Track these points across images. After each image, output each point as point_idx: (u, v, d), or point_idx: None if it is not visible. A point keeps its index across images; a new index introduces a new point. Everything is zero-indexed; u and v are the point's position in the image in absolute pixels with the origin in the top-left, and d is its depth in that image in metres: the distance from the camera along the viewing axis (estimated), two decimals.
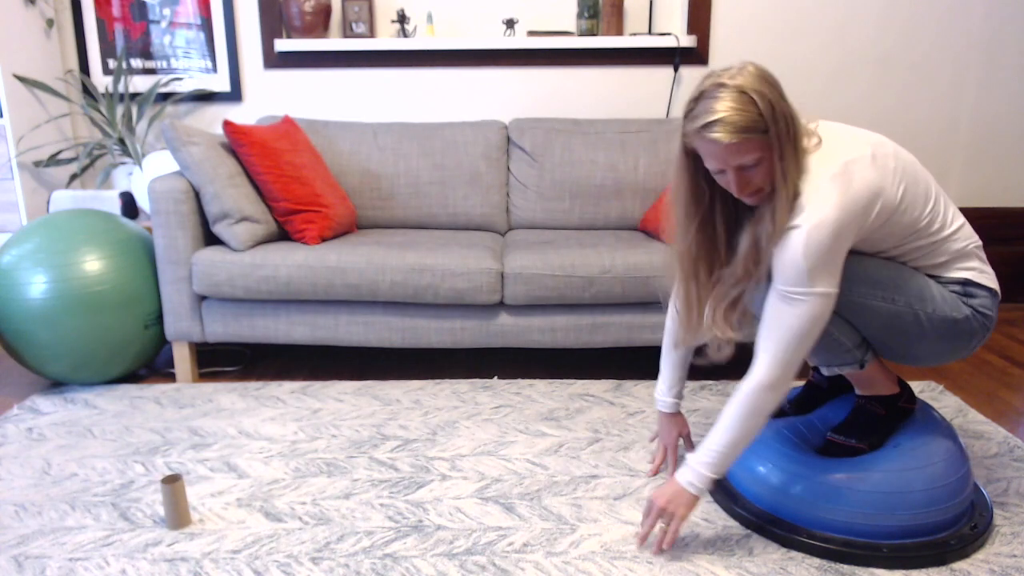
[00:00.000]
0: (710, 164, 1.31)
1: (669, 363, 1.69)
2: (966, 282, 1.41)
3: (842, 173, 1.28)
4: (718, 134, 1.23)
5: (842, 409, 1.66)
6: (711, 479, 1.38)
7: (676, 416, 1.73)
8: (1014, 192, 3.08)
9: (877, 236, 1.36)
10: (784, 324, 1.30)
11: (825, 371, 1.50)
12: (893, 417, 1.53)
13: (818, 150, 1.32)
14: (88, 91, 2.95)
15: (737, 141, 1.23)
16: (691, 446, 1.78)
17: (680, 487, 1.40)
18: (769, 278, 1.34)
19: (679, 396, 1.72)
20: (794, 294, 1.29)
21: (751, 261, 1.35)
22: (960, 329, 1.39)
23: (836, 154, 1.30)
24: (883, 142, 1.35)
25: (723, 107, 1.23)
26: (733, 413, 1.36)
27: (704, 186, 1.40)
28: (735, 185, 1.30)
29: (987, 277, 1.42)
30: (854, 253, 1.39)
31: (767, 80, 1.26)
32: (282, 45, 2.83)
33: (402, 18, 2.84)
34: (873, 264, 1.39)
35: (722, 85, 1.24)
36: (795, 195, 1.29)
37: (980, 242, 1.44)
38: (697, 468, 1.39)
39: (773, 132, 1.25)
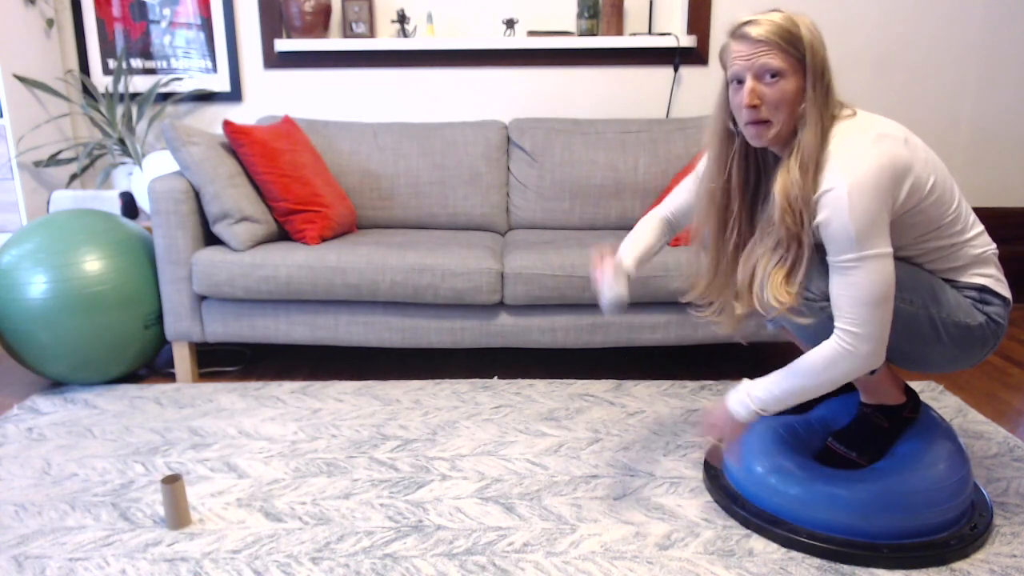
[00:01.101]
0: (734, 67, 1.31)
1: (643, 236, 1.61)
2: (983, 288, 1.40)
3: (877, 140, 1.28)
4: (750, 27, 1.28)
5: (841, 409, 1.65)
6: (757, 414, 1.41)
7: (621, 275, 1.52)
8: (1014, 192, 3.08)
9: (905, 222, 1.34)
10: (851, 293, 1.28)
11: None
12: (896, 429, 1.53)
13: (852, 119, 1.32)
14: (88, 91, 2.95)
15: (766, 39, 1.26)
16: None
17: (728, 412, 1.44)
18: (818, 252, 1.34)
19: (639, 266, 1.58)
20: (849, 262, 1.27)
21: (789, 219, 1.31)
22: (973, 336, 1.39)
23: (870, 125, 1.31)
24: (914, 136, 1.36)
25: (767, 17, 1.28)
26: (803, 363, 1.35)
27: (733, 128, 1.41)
28: (746, 95, 1.29)
29: (1002, 286, 1.42)
30: None
31: (819, 32, 1.30)
32: (282, 45, 2.83)
33: (402, 18, 2.84)
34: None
35: (777, 9, 1.30)
36: (824, 154, 1.28)
37: (996, 250, 1.43)
38: (747, 401, 1.41)
39: (809, 63, 1.27)
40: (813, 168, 1.28)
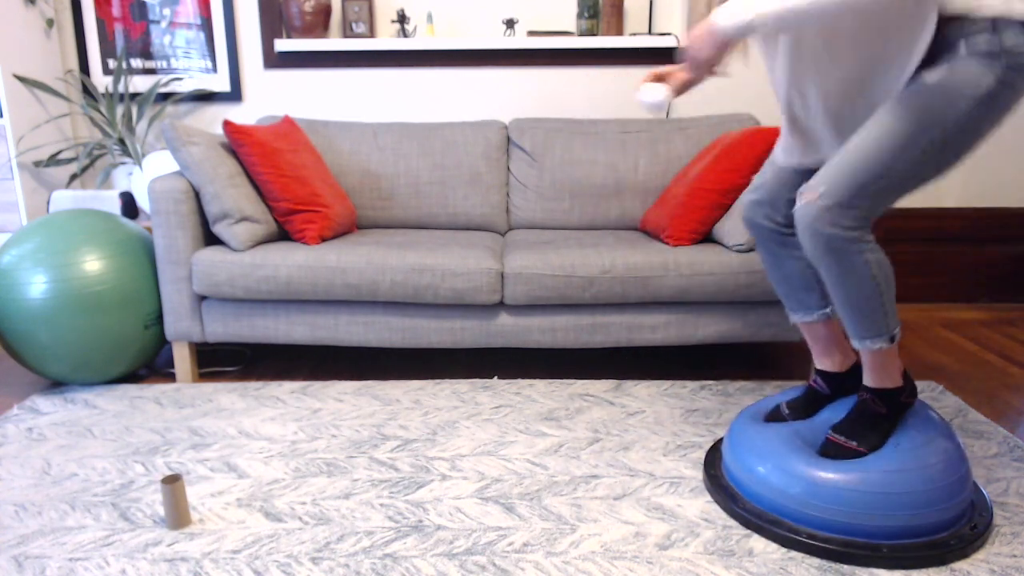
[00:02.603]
0: None
1: None
2: (996, 21, 1.18)
3: None
4: None
5: (844, 412, 1.65)
6: (748, 26, 1.21)
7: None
8: (1014, 192, 3.08)
9: None
10: None
11: (856, 344, 1.47)
12: (894, 414, 1.53)
13: None
14: (88, 91, 2.95)
15: None
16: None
17: (712, 27, 1.23)
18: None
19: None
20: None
21: None
22: (984, 108, 1.24)
23: None
24: None
25: None
26: None
27: None
28: None
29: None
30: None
31: None
32: (282, 45, 2.83)
33: (402, 18, 2.84)
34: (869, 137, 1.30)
35: None
36: None
37: None
38: (740, 12, 1.20)
39: None
40: None
